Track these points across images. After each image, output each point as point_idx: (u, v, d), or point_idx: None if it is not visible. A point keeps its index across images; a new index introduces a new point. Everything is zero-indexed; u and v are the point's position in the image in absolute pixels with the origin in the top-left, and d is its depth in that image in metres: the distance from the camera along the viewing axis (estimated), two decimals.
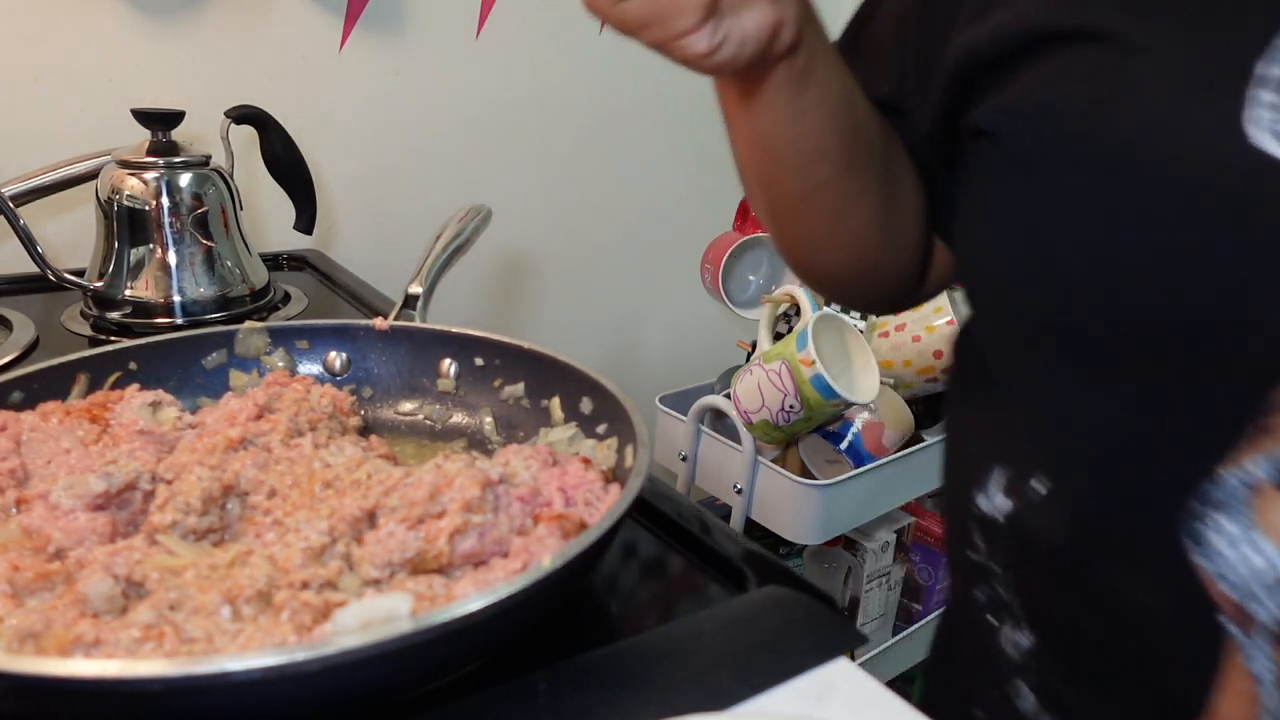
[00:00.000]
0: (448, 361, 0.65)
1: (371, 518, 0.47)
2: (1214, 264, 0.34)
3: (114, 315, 0.87)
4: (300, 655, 0.34)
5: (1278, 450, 0.34)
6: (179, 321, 0.87)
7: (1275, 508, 0.34)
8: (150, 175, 0.86)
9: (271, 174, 1.00)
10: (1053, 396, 0.42)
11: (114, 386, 0.60)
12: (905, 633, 1.33)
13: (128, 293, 0.87)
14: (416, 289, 0.70)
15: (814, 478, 1.13)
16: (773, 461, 1.14)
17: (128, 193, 0.86)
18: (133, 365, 0.61)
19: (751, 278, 1.35)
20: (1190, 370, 0.36)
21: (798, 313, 1.21)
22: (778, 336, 1.21)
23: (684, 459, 1.22)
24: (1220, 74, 0.35)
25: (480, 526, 0.46)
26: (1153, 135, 0.36)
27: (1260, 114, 0.33)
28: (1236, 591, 0.36)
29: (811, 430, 1.16)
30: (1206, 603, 0.37)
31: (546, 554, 0.45)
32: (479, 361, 0.64)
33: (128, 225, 0.87)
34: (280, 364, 0.66)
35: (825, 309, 1.14)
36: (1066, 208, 0.38)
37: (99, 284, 0.88)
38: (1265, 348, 0.34)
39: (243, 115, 0.96)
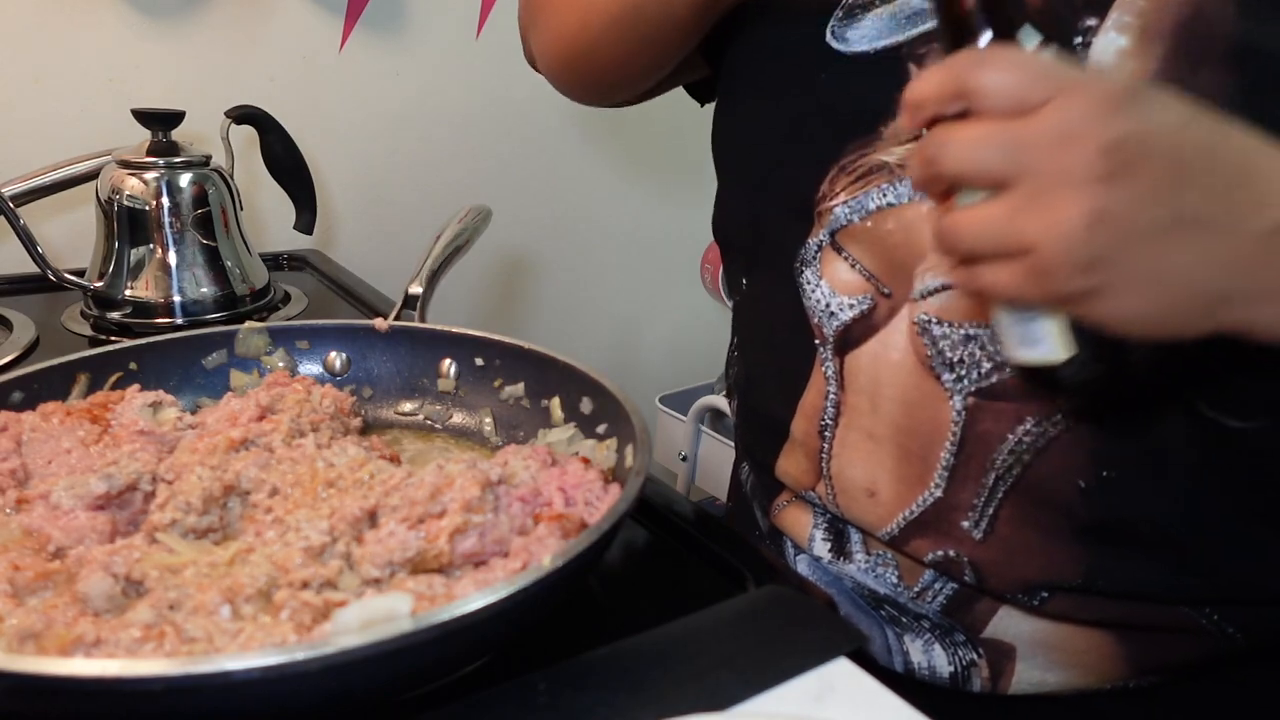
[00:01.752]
0: (448, 361, 0.66)
1: (372, 517, 0.47)
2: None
3: (114, 315, 0.87)
4: (300, 655, 0.34)
5: (827, 225, 0.53)
6: (179, 321, 0.87)
7: (829, 260, 0.53)
8: (150, 175, 0.86)
9: (271, 174, 1.00)
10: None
11: (114, 387, 0.60)
12: None
13: (128, 293, 0.87)
14: (416, 289, 0.70)
15: None
16: None
17: (128, 193, 0.86)
18: (133, 365, 0.61)
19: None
20: (782, 175, 0.56)
21: None
22: None
23: (684, 459, 1.22)
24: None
25: (480, 526, 0.46)
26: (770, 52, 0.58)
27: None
28: (814, 316, 0.54)
29: None
30: (810, 332, 0.55)
31: (546, 554, 0.45)
32: (479, 361, 0.65)
33: (128, 225, 0.87)
34: (280, 364, 0.66)
35: None
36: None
37: (99, 284, 0.88)
38: (812, 158, 0.54)
39: (243, 115, 0.96)
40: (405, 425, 0.65)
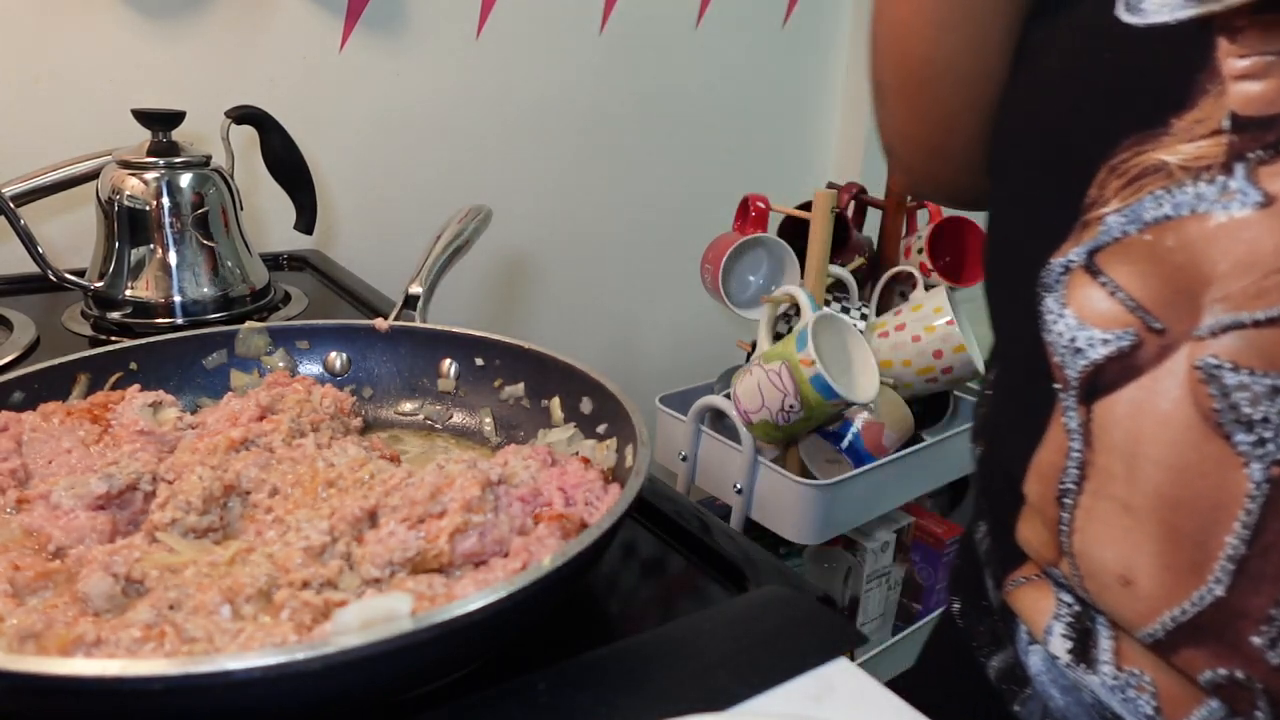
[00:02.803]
0: (448, 361, 0.66)
1: (372, 517, 0.47)
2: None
3: (114, 315, 0.87)
4: (300, 655, 0.34)
5: (1088, 240, 0.42)
6: (179, 322, 0.87)
7: (1079, 285, 0.42)
8: (151, 175, 0.86)
9: (272, 174, 1.00)
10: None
11: (115, 387, 0.60)
12: (905, 633, 1.33)
13: (128, 293, 0.87)
14: (417, 289, 0.70)
15: (814, 478, 1.13)
16: (773, 461, 1.15)
17: (128, 193, 0.86)
18: (133, 365, 0.61)
19: (751, 278, 1.35)
20: (1044, 177, 0.46)
21: (797, 313, 1.21)
22: (778, 336, 1.21)
23: (684, 459, 1.22)
24: None
25: (480, 526, 0.46)
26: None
27: None
28: (1056, 355, 0.44)
29: (811, 430, 1.16)
30: (1049, 374, 0.44)
31: (546, 554, 0.45)
32: (479, 361, 0.65)
33: (128, 225, 0.87)
34: (281, 364, 0.66)
35: (825, 309, 1.14)
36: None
37: (99, 284, 0.88)
38: (1080, 155, 0.43)
39: (243, 115, 0.96)
40: (405, 425, 0.65)
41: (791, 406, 1.07)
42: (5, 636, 0.39)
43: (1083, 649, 0.46)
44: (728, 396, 1.15)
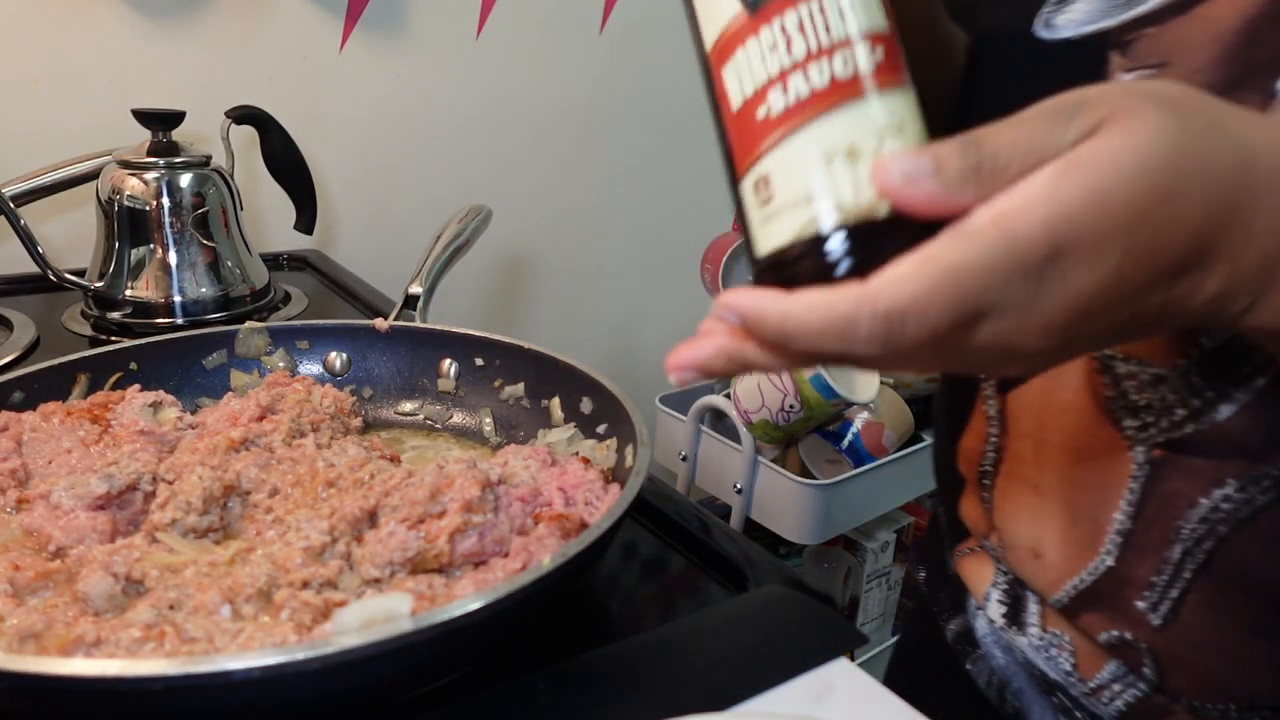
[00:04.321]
0: (448, 362, 0.66)
1: (372, 517, 0.47)
2: None
3: (114, 315, 0.87)
4: (300, 655, 0.34)
5: None
6: (179, 322, 0.87)
7: None
8: (151, 175, 0.86)
9: (272, 174, 1.00)
10: None
11: (115, 387, 0.60)
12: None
13: (128, 293, 0.87)
14: (417, 289, 0.70)
15: (814, 478, 1.13)
16: (773, 461, 1.15)
17: (128, 193, 0.86)
18: (133, 365, 0.61)
19: (751, 278, 1.35)
20: None
21: None
22: None
23: (684, 459, 1.22)
24: None
25: (480, 526, 0.46)
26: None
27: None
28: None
29: (811, 430, 1.16)
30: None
31: (546, 554, 0.45)
32: (479, 361, 0.65)
33: (128, 225, 0.87)
34: (281, 364, 0.66)
35: None
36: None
37: (99, 284, 0.88)
38: None
39: (243, 115, 0.96)
40: (405, 425, 0.65)
41: (791, 406, 1.07)
42: (5, 636, 0.39)
43: (1014, 613, 0.51)
44: (728, 396, 1.15)
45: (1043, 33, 0.45)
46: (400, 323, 0.67)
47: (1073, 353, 0.30)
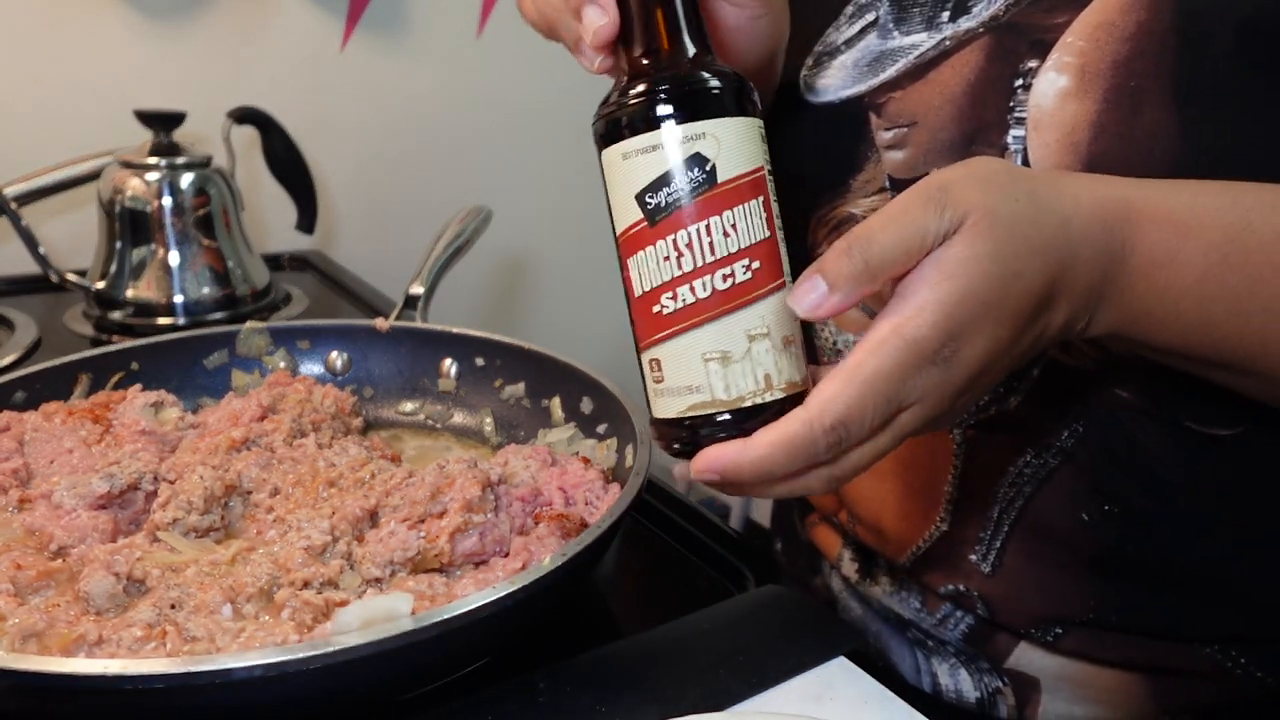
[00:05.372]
0: (448, 361, 0.66)
1: (373, 517, 0.48)
2: None
3: (116, 315, 0.88)
4: (301, 654, 0.34)
5: None
6: (181, 322, 0.87)
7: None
8: (152, 176, 0.87)
9: (273, 174, 1.01)
10: None
11: (116, 387, 0.60)
12: None
13: (129, 293, 0.87)
14: (417, 289, 0.71)
15: None
16: None
17: (130, 193, 0.86)
18: (135, 365, 0.61)
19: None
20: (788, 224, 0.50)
21: None
22: None
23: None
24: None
25: (481, 526, 0.46)
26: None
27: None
28: (824, 355, 0.53)
29: None
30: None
31: (546, 553, 0.45)
32: (479, 361, 0.65)
33: (129, 226, 0.87)
34: (281, 364, 0.66)
35: None
36: None
37: (101, 284, 0.88)
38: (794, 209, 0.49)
39: (244, 116, 0.96)
40: (406, 425, 0.65)
41: None
42: (7, 636, 0.39)
43: (866, 569, 0.59)
44: None
45: (807, 95, 0.53)
46: (401, 323, 0.67)
47: (980, 395, 0.38)
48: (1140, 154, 0.42)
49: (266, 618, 0.41)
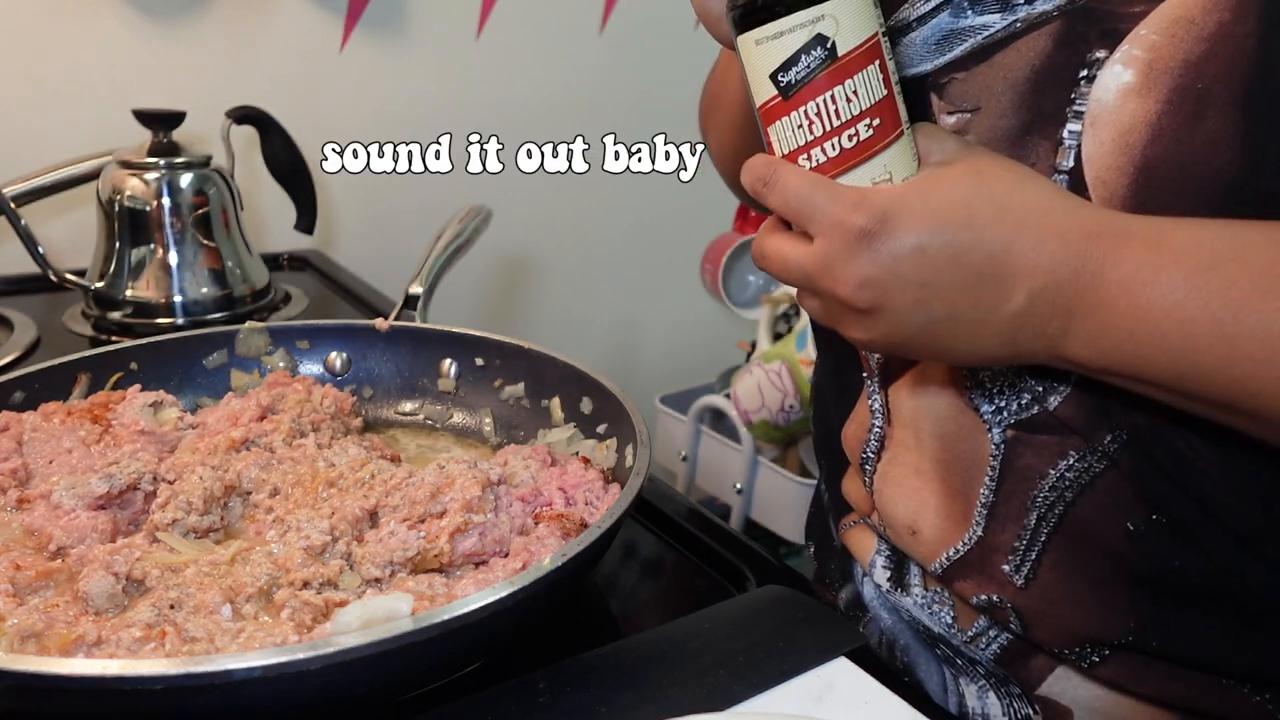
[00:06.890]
0: (448, 361, 0.66)
1: (373, 517, 0.48)
2: None
3: (115, 315, 0.87)
4: (301, 654, 0.34)
5: None
6: (180, 322, 0.87)
7: None
8: (151, 176, 0.86)
9: (272, 174, 1.00)
10: None
11: (115, 386, 0.60)
12: None
13: (129, 293, 0.87)
14: (417, 289, 0.71)
15: (814, 477, 1.13)
16: (773, 461, 1.15)
17: (129, 193, 0.86)
18: (134, 365, 0.61)
19: (751, 278, 1.35)
20: None
21: (798, 313, 1.21)
22: (778, 336, 1.21)
23: (684, 459, 1.22)
24: None
25: (481, 526, 0.46)
26: None
27: None
28: (863, 349, 0.54)
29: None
30: (858, 365, 0.55)
31: (546, 553, 0.45)
32: (479, 361, 0.65)
33: (129, 225, 0.87)
34: (281, 364, 0.66)
35: None
36: None
37: (100, 284, 0.88)
38: None
39: (243, 115, 0.96)
40: (406, 425, 0.65)
41: (791, 406, 1.07)
42: (6, 636, 0.39)
43: (898, 577, 0.56)
44: (728, 396, 1.15)
45: None
46: (400, 323, 0.67)
47: (904, 337, 0.42)
48: (1197, 162, 0.41)
49: (266, 618, 0.41)
